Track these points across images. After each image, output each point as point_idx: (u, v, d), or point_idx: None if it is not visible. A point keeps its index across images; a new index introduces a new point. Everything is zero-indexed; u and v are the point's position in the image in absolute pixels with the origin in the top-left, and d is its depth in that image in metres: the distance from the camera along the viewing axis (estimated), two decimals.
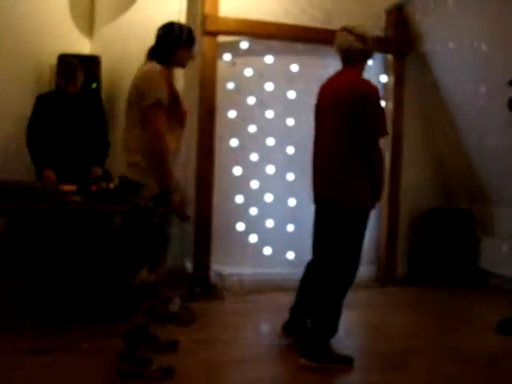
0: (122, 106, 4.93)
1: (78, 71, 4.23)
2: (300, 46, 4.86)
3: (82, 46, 5.45)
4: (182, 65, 3.00)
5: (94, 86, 5.00)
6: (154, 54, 2.90)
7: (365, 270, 5.12)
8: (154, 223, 2.78)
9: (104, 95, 5.09)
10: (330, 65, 4.96)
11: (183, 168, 4.54)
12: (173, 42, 2.87)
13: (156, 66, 2.83)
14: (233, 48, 4.67)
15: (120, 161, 2.91)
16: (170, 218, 2.85)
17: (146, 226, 2.79)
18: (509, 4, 4.05)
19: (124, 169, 2.86)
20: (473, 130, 4.93)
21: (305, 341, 3.15)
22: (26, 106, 4.66)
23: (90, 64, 4.98)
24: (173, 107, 2.82)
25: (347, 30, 3.26)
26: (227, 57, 4.66)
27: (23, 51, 5.05)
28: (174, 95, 2.84)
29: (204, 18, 4.40)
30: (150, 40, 4.72)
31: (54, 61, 4.87)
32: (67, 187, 3.76)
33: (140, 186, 2.77)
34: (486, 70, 4.46)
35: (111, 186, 3.72)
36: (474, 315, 4.14)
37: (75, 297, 3.50)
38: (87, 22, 5.55)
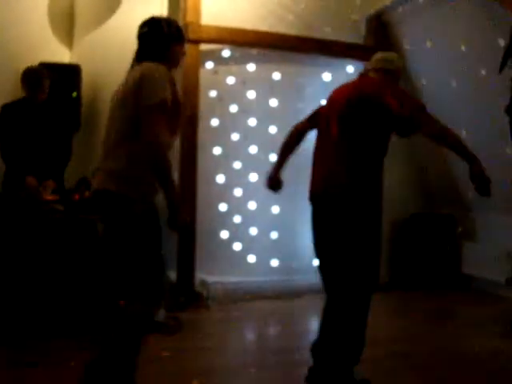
0: (102, 114, 4.97)
1: (44, 79, 4.20)
2: (281, 54, 4.89)
3: (62, 55, 5.41)
4: (176, 63, 2.64)
5: (75, 95, 4.96)
6: (144, 55, 2.53)
7: None
8: (150, 244, 2.42)
9: (84, 104, 5.06)
10: (311, 73, 5.05)
11: None
12: (164, 40, 2.54)
13: (159, 65, 2.45)
14: (215, 56, 4.67)
15: (99, 171, 2.50)
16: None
17: (139, 248, 2.40)
18: (486, 8, 4.10)
19: (109, 180, 2.43)
20: None
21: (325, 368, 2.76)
22: None
23: (70, 73, 4.95)
24: (171, 114, 2.44)
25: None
26: (209, 65, 4.66)
27: (2, 61, 4.98)
28: (175, 101, 2.47)
29: (186, 26, 4.39)
30: (131, 49, 4.72)
31: None
32: (49, 196, 3.72)
33: (131, 201, 2.38)
34: (466, 76, 4.52)
35: None
36: (459, 318, 4.18)
37: (58, 308, 3.45)
38: (67, 32, 5.51)
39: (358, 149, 2.81)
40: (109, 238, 2.52)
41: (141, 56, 2.56)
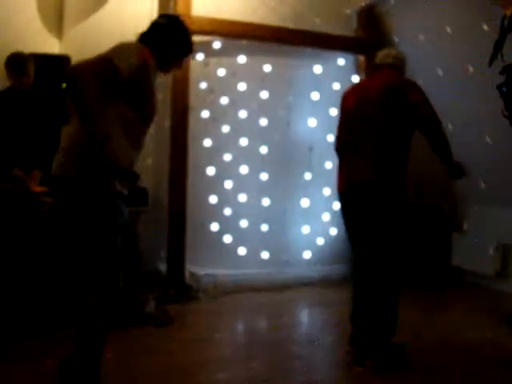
0: None
1: (28, 63, 4.15)
2: (272, 47, 4.87)
3: (52, 45, 5.36)
4: (167, 70, 2.64)
5: (64, 86, 4.92)
6: (146, 40, 2.52)
7: (338, 269, 5.18)
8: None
9: None
10: (302, 65, 5.05)
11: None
12: (170, 43, 2.55)
13: (134, 43, 2.48)
14: (205, 48, 4.65)
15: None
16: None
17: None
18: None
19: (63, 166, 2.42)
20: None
21: (369, 343, 3.14)
22: None
23: (59, 64, 4.90)
24: (141, 100, 2.43)
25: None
26: (200, 57, 4.64)
27: None
28: (150, 88, 2.45)
29: None
30: (120, 39, 4.68)
31: None
32: (38, 188, 3.69)
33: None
34: (457, 68, 4.52)
35: None
36: (449, 311, 4.20)
37: (46, 301, 3.44)
38: (56, 22, 5.46)
39: (391, 143, 3.14)
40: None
41: (143, 38, 2.55)
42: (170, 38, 2.56)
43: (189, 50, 2.69)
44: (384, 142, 3.13)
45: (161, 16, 2.65)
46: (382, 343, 3.12)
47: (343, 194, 3.27)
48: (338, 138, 3.36)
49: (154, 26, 2.60)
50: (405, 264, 3.30)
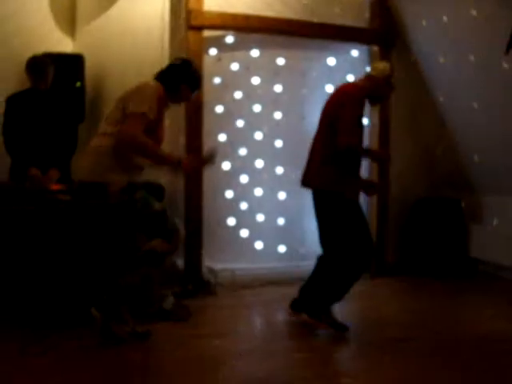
0: (106, 103, 4.96)
1: (48, 67, 4.24)
2: (285, 39, 4.84)
3: (65, 44, 5.40)
4: (177, 100, 3.40)
5: (79, 84, 4.95)
6: (161, 77, 3.31)
7: None
8: (140, 210, 3.10)
9: (88, 94, 5.06)
10: (315, 58, 5.02)
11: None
12: (182, 78, 3.31)
13: (154, 84, 3.22)
14: (218, 42, 4.64)
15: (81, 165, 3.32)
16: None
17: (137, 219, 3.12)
18: None
19: (86, 171, 3.21)
20: (459, 119, 4.95)
21: (309, 299, 3.59)
22: None
23: (73, 63, 4.94)
24: (154, 127, 3.17)
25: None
26: (213, 51, 4.63)
27: (6, 52, 4.98)
28: (159, 117, 3.22)
29: (188, 12, 4.36)
30: (132, 38, 4.71)
31: None
32: (55, 186, 3.73)
33: (104, 186, 3.05)
34: (471, 57, 4.47)
35: None
36: (466, 302, 4.17)
37: (66, 298, 3.47)
38: (69, 21, 5.50)
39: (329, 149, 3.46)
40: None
41: (159, 76, 3.33)
42: (180, 76, 3.31)
43: (197, 86, 3.45)
44: (323, 148, 3.49)
45: (176, 58, 3.52)
46: (320, 304, 3.49)
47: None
48: None
49: (170, 66, 3.39)
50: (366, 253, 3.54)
